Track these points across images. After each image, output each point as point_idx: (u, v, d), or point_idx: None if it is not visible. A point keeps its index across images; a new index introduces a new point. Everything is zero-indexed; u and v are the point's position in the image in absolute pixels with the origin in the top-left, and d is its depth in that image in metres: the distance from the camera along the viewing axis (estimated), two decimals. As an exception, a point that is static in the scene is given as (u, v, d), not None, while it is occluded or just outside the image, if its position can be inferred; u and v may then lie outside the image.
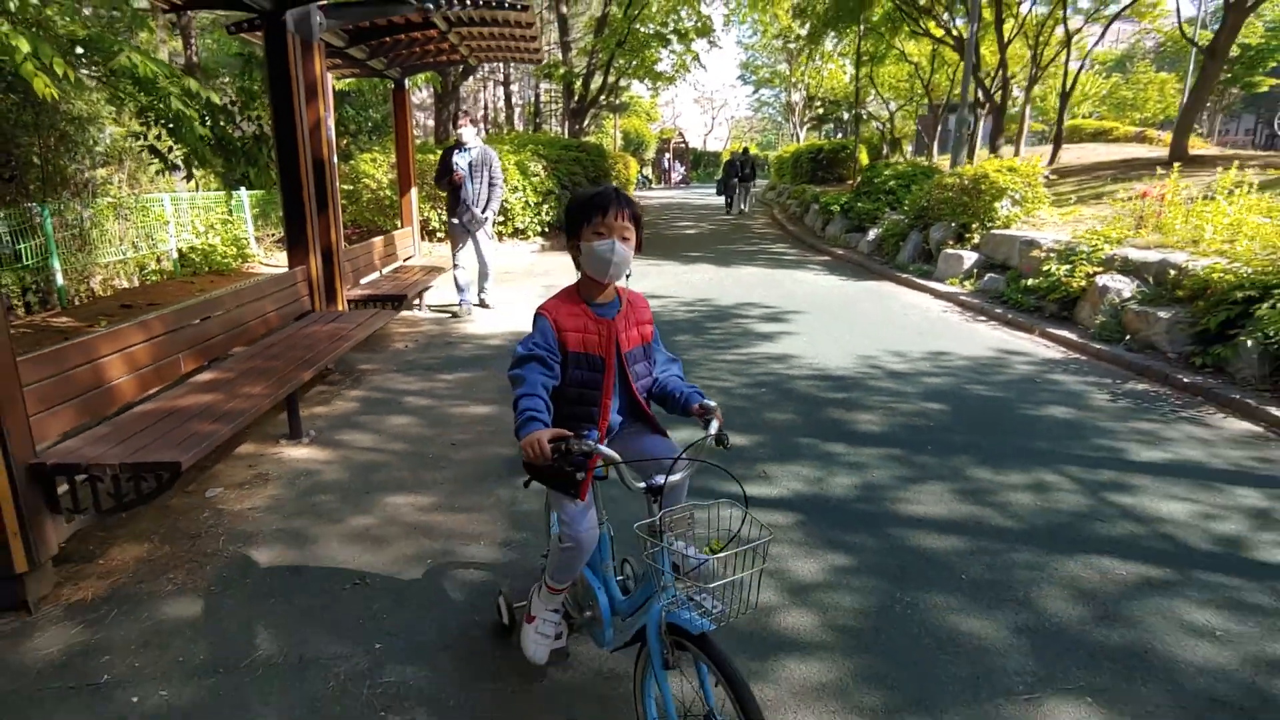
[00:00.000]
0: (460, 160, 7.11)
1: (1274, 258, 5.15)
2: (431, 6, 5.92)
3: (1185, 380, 5.04)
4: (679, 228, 17.82)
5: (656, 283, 9.34)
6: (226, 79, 15.59)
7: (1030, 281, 7.23)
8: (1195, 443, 4.18)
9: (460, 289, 7.51)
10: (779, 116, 47.19)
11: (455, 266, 7.52)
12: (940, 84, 24.11)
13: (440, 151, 7.93)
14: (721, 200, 24.56)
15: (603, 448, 1.68)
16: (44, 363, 2.86)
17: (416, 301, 7.78)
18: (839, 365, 5.68)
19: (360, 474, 3.83)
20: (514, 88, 36.43)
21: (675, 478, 1.78)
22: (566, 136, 21.98)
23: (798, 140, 33.19)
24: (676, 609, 1.65)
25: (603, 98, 24.60)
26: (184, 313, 3.97)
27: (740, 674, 1.57)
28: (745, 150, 25.17)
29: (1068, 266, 6.81)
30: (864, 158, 22.89)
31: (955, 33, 17.09)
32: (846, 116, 36.13)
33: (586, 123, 30.89)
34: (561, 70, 21.72)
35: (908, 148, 32.69)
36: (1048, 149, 19.60)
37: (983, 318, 7.43)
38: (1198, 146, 21.79)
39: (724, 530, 1.62)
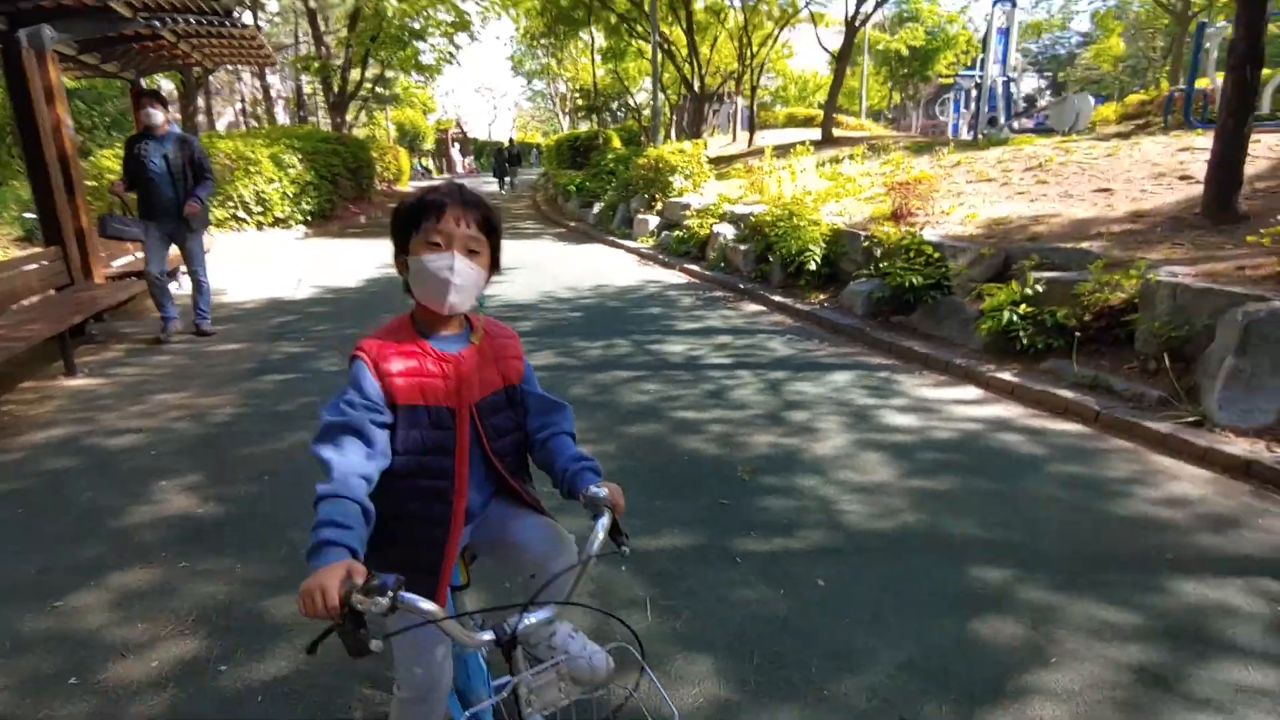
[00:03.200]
0: (152, 153, 5.81)
1: (786, 204, 7.92)
2: (158, 24, 7.06)
3: (742, 287, 7.69)
4: (445, 213, 19.23)
5: (405, 255, 10.89)
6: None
7: (678, 233, 9.80)
8: (720, 318, 6.71)
9: (163, 303, 6.24)
10: (552, 107, 49.42)
11: (157, 278, 6.13)
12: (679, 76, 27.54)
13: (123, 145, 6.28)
14: (496, 186, 26.69)
15: (415, 599, 1.08)
16: None
17: (180, 276, 8.71)
18: (523, 299, 7.73)
19: (132, 387, 5.16)
20: (274, 79, 35.16)
21: (535, 619, 1.23)
22: (330, 129, 22.40)
23: (562, 130, 35.58)
24: None
25: (364, 89, 25.07)
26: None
27: None
28: (511, 140, 27.13)
29: (699, 220, 9.40)
30: (616, 144, 25.61)
31: (666, 40, 20.05)
32: (615, 106, 39.30)
33: (355, 115, 30.93)
34: (316, 64, 22.04)
35: (668, 134, 36.38)
36: (764, 134, 23.47)
37: (649, 263, 9.92)
38: (868, 130, 26.78)
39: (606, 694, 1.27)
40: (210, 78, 25.45)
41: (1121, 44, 34.10)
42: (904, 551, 2.90)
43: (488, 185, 29.03)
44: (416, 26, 24.28)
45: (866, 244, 6.58)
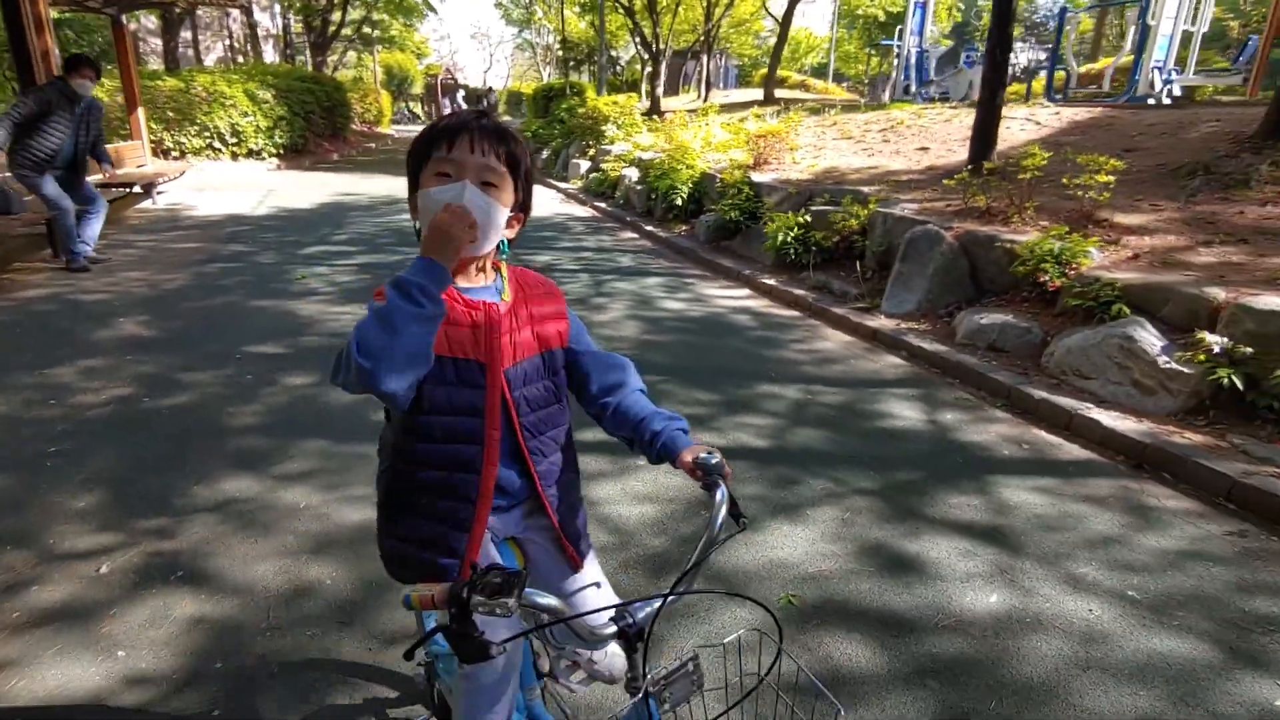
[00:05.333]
0: (69, 116, 6.07)
1: (679, 152, 9.23)
2: (133, -30, 8.24)
3: (628, 219, 9.08)
4: (416, 154, 20.41)
5: (361, 187, 12.20)
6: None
7: (596, 175, 11.13)
8: (595, 241, 8.14)
9: (74, 236, 6.30)
10: (533, 58, 49.78)
11: (58, 210, 6.21)
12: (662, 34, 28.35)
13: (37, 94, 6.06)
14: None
15: (541, 596, 0.93)
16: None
17: (156, 194, 10.03)
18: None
19: (104, 267, 6.54)
20: (263, 16, 35.65)
21: (654, 605, 1.03)
22: (311, 69, 23.34)
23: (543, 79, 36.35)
24: None
25: (347, 31, 25.88)
26: (-31, 172, 6.40)
27: None
28: (489, 89, 27.96)
29: (613, 164, 10.72)
30: (590, 95, 26.59)
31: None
32: (602, 59, 39.93)
33: (340, 56, 31.65)
34: (299, 4, 22.86)
35: (645, 88, 37.20)
36: (729, 93, 24.51)
37: (570, 201, 11.29)
38: (832, 94, 27.63)
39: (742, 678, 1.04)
40: (199, 13, 26.21)
41: (1090, 21, 34.73)
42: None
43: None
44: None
45: (719, 185, 7.95)
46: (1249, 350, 3.40)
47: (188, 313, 5.24)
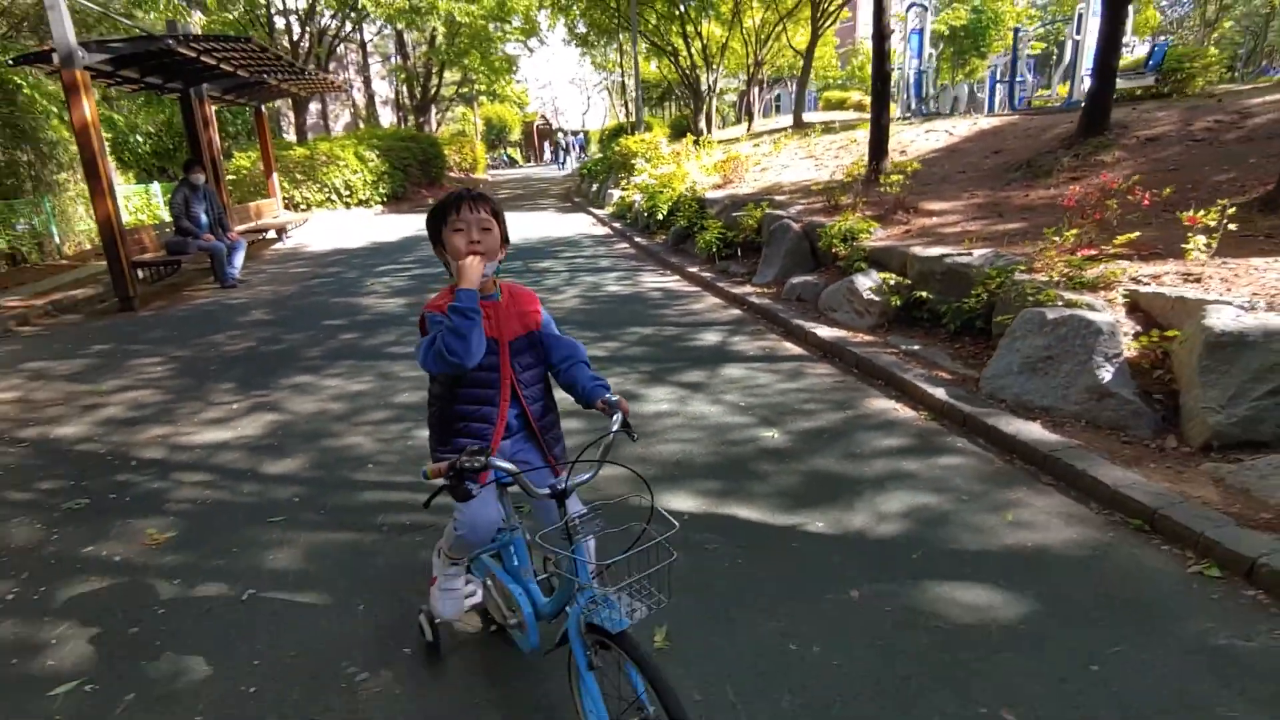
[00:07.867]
0: (199, 201, 9.31)
1: (668, 177, 11.41)
2: (266, 77, 11.51)
3: (626, 234, 11.33)
4: (500, 194, 23.62)
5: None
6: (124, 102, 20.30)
7: (618, 201, 13.49)
8: (591, 250, 10.42)
9: (226, 266, 9.28)
10: (608, 100, 53.34)
11: (214, 250, 9.19)
12: (732, 66, 30.75)
13: (173, 188, 9.63)
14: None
15: (499, 461, 1.71)
16: (126, 232, 8.52)
17: (285, 237, 13.32)
18: (488, 244, 11.70)
19: (246, 284, 9.53)
20: (381, 85, 41.08)
21: (581, 479, 1.78)
22: (414, 128, 27.33)
23: (620, 118, 39.49)
24: (594, 610, 1.67)
25: (446, 92, 29.88)
26: (160, 228, 9.60)
27: (659, 668, 1.62)
28: (566, 132, 31.26)
29: (629, 191, 13.06)
30: (659, 131, 29.21)
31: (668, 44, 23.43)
32: (639, 102, 42.82)
33: (441, 113, 36.05)
34: (403, 75, 26.95)
35: (717, 120, 39.52)
36: (776, 119, 26.37)
37: (598, 224, 13.69)
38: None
39: (633, 524, 1.69)
40: (326, 89, 31.08)
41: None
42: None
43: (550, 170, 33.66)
44: (494, 30, 28.74)
45: (684, 202, 10.09)
46: (909, 282, 5.23)
47: (292, 306, 7.99)
